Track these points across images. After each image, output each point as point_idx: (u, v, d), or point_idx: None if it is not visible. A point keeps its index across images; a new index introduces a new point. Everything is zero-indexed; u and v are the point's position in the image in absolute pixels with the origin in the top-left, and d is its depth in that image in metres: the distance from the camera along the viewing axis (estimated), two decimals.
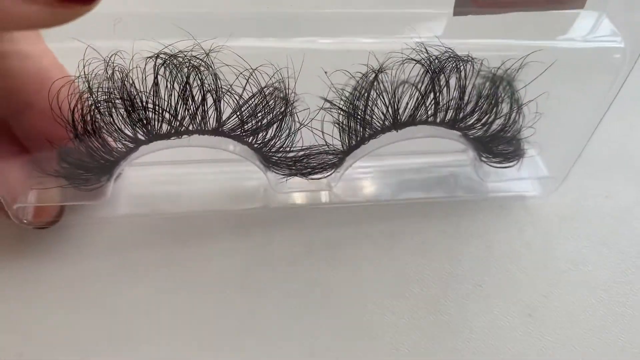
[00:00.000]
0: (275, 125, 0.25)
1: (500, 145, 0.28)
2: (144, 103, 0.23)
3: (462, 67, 0.25)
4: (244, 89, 0.24)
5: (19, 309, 0.27)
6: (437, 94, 0.25)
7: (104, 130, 0.24)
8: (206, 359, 0.26)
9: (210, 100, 0.24)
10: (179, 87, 0.23)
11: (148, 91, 0.23)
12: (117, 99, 0.23)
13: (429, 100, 0.25)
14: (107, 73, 0.22)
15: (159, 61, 0.23)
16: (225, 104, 0.24)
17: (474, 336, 0.27)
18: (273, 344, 0.26)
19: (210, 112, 0.24)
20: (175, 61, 0.23)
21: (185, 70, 0.23)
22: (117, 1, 0.20)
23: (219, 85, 0.23)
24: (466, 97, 0.25)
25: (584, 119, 0.28)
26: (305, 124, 0.26)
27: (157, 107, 0.23)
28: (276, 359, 0.26)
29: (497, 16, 0.23)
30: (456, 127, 0.26)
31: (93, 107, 0.23)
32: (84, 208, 0.29)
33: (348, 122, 0.26)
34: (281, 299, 0.28)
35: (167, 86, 0.23)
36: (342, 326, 0.27)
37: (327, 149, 0.27)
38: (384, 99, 0.25)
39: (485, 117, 0.26)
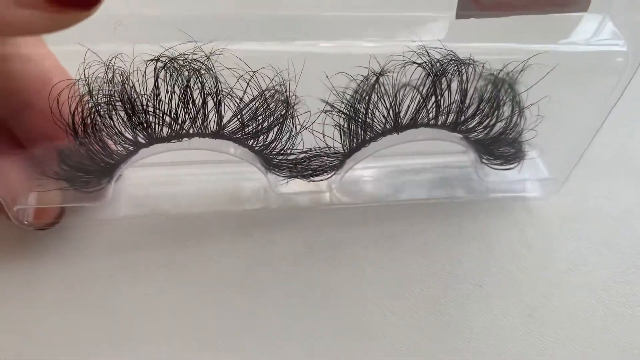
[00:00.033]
0: (276, 128, 0.25)
1: (501, 148, 0.28)
2: (145, 106, 0.23)
3: (463, 70, 0.24)
4: (245, 91, 0.24)
5: (19, 309, 0.27)
6: (439, 96, 0.25)
7: (104, 133, 0.24)
8: (206, 359, 0.26)
9: (211, 103, 0.23)
10: (180, 90, 0.23)
11: (148, 94, 0.23)
12: (118, 102, 0.23)
13: (431, 103, 0.25)
14: (107, 76, 0.22)
15: (160, 64, 0.22)
16: (226, 107, 0.24)
17: (474, 336, 0.27)
18: (273, 344, 0.26)
19: (211, 115, 0.24)
20: (175, 64, 0.23)
21: (186, 73, 0.23)
22: (117, 4, 0.20)
23: (220, 88, 0.23)
24: (468, 100, 0.25)
25: (585, 122, 0.28)
26: (306, 126, 0.26)
27: (157, 110, 0.23)
28: (276, 359, 0.26)
29: (500, 19, 0.23)
30: (457, 129, 0.26)
31: (93, 110, 0.23)
32: (84, 209, 0.29)
33: (349, 125, 0.26)
34: (281, 299, 0.28)
35: (167, 89, 0.23)
36: (343, 326, 0.27)
37: (328, 151, 0.27)
38: (385, 101, 0.25)
39: (487, 120, 0.26)
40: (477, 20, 0.23)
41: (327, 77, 0.24)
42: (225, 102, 0.24)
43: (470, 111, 0.26)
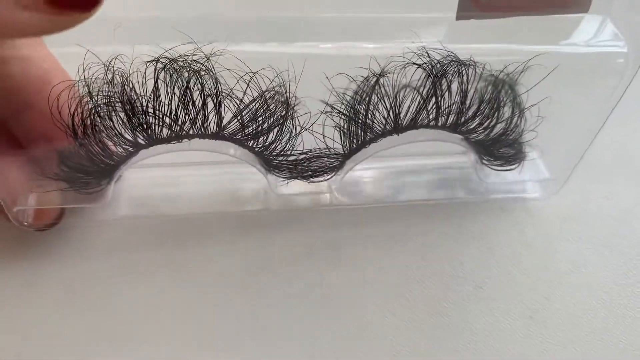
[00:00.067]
0: (276, 129, 0.25)
1: (501, 149, 0.28)
2: (144, 107, 0.23)
3: (464, 71, 0.24)
4: (245, 93, 0.24)
5: (19, 309, 0.27)
6: (439, 98, 0.25)
7: (104, 134, 0.24)
8: (206, 359, 0.26)
9: (210, 105, 0.23)
10: (180, 91, 0.23)
11: (148, 95, 0.23)
12: (118, 103, 0.23)
13: (431, 104, 0.25)
14: (107, 77, 0.22)
15: (160, 65, 0.22)
16: (226, 108, 0.24)
17: (475, 338, 0.27)
18: (273, 345, 0.26)
19: (211, 117, 0.24)
20: (175, 65, 0.23)
21: (186, 74, 0.23)
22: (117, 5, 0.20)
23: (220, 89, 0.23)
24: (468, 101, 0.25)
25: (586, 123, 0.28)
26: (306, 127, 0.26)
27: (157, 112, 0.23)
28: (276, 359, 0.26)
29: (500, 20, 0.23)
30: (458, 130, 0.26)
31: (93, 111, 0.23)
32: (84, 210, 0.29)
33: (349, 126, 0.26)
34: (281, 300, 0.28)
35: (167, 90, 0.23)
36: (343, 327, 0.27)
37: (328, 152, 0.27)
38: (385, 102, 0.25)
39: (487, 121, 0.26)
40: (477, 21, 0.23)
41: (327, 78, 0.24)
42: (225, 103, 0.24)
43: (470, 112, 0.25)
